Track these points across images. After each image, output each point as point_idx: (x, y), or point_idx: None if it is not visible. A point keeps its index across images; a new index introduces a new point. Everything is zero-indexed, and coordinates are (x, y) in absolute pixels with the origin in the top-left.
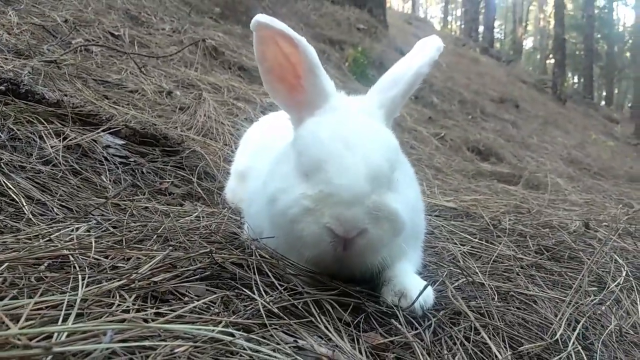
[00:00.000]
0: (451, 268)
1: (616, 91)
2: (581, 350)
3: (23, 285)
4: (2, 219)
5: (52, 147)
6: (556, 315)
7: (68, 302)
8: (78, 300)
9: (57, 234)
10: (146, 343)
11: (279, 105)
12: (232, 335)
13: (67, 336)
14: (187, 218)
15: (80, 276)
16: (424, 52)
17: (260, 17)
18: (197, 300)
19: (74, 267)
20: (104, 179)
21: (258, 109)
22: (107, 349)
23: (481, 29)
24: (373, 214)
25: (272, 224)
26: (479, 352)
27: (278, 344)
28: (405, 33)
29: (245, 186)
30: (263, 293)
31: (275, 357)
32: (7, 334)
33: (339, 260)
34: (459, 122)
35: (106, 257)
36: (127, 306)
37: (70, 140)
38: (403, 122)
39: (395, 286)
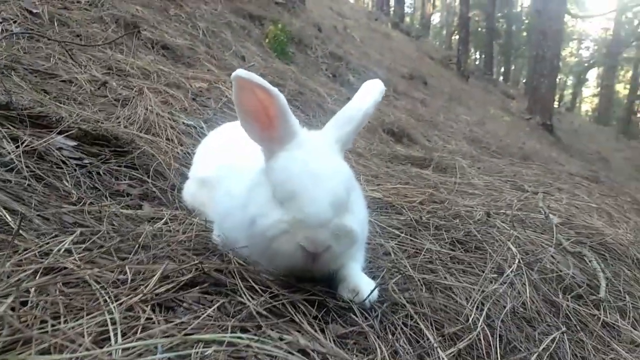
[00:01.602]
0: (387, 263)
1: (513, 68)
2: (486, 328)
3: (60, 304)
4: None
5: (10, 152)
6: (467, 301)
7: (111, 320)
8: (118, 317)
9: (54, 248)
10: (185, 352)
11: (252, 140)
12: (253, 339)
13: (123, 351)
14: (158, 224)
15: (104, 293)
16: (371, 95)
17: (241, 72)
18: (205, 308)
19: (92, 284)
20: (66, 183)
21: (190, 97)
22: (165, 358)
23: (392, 2)
24: (335, 234)
25: (250, 240)
26: (415, 335)
27: (274, 340)
28: (322, 6)
29: (207, 194)
30: (249, 298)
31: (278, 353)
32: (99, 352)
33: (307, 269)
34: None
35: (110, 272)
36: (151, 317)
37: (27, 145)
38: (324, 103)
39: (349, 284)
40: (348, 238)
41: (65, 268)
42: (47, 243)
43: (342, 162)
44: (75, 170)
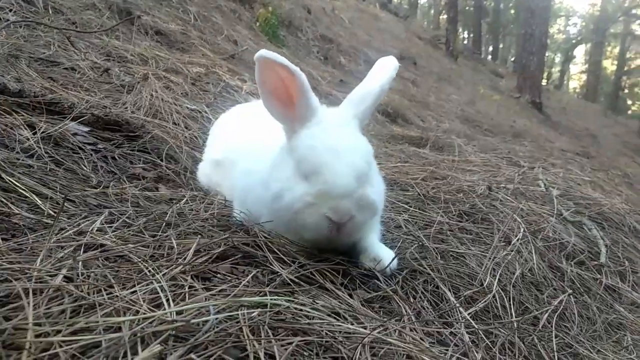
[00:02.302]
0: (402, 235)
1: (501, 46)
2: (500, 291)
3: (109, 275)
4: (28, 217)
5: (28, 139)
6: (480, 267)
7: (160, 288)
8: (166, 286)
9: (87, 228)
10: (232, 313)
11: (275, 118)
12: (292, 301)
13: (178, 314)
14: (180, 204)
15: (147, 266)
16: (386, 71)
17: (264, 53)
18: (239, 278)
19: (133, 259)
20: (84, 168)
21: (189, 82)
22: (216, 319)
23: None
24: (359, 204)
25: (275, 214)
26: (434, 298)
27: (309, 304)
28: None
29: (222, 174)
30: (280, 267)
31: (315, 314)
32: (157, 314)
33: (331, 239)
34: None
35: (145, 247)
36: (193, 286)
37: (43, 131)
38: (319, 86)
39: (370, 254)
40: (370, 209)
41: (102, 245)
42: (79, 224)
43: (361, 137)
44: (91, 155)
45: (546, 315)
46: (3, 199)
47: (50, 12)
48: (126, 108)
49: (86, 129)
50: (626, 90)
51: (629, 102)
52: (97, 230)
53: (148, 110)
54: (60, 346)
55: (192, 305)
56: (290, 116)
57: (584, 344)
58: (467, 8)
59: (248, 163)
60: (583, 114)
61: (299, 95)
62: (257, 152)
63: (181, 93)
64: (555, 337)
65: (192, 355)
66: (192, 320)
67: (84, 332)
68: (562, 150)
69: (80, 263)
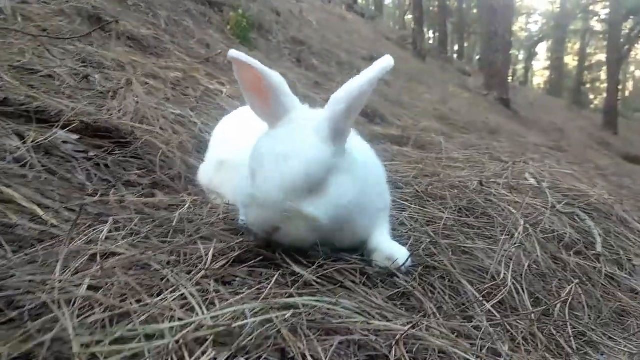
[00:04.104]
0: (408, 232)
1: (466, 45)
2: (515, 283)
3: (133, 283)
4: (33, 227)
5: (19, 148)
6: (490, 260)
7: (190, 293)
8: (195, 291)
9: (96, 237)
10: (267, 316)
11: (256, 115)
12: (325, 301)
13: (212, 318)
14: (183, 209)
15: (168, 272)
16: (370, 71)
17: (233, 53)
18: (261, 280)
19: (153, 266)
20: (78, 176)
21: (169, 86)
22: (254, 322)
23: None
24: (285, 216)
25: None
26: (455, 291)
27: (338, 304)
28: None
29: (224, 176)
30: (299, 269)
31: (344, 312)
32: (195, 320)
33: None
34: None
35: (160, 254)
36: (218, 290)
37: (33, 140)
38: (295, 88)
39: (383, 253)
40: (304, 222)
41: (115, 253)
42: (86, 233)
43: (317, 144)
44: (84, 162)
45: (558, 306)
46: (3, 211)
47: (20, 19)
48: (112, 115)
49: (75, 136)
50: (588, 85)
51: (592, 96)
52: (106, 239)
53: (134, 116)
54: (106, 357)
55: (233, 309)
56: (267, 114)
57: (596, 331)
58: (431, 8)
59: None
60: (549, 109)
61: (269, 94)
62: None
63: (163, 98)
64: (570, 326)
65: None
66: (233, 325)
67: (124, 341)
68: (536, 145)
69: (100, 272)
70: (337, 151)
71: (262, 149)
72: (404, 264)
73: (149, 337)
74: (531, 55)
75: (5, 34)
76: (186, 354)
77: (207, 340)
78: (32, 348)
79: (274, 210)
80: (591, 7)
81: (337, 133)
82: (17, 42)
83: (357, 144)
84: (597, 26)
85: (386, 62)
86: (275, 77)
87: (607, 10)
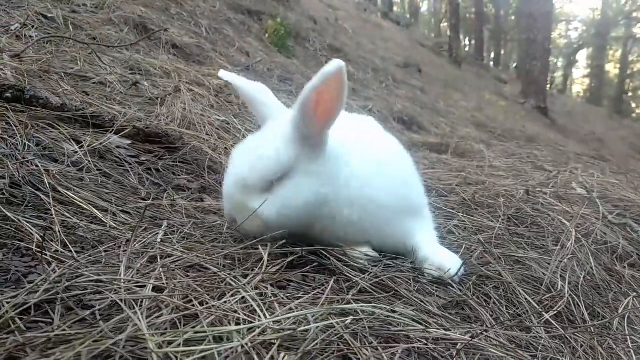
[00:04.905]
0: (458, 240)
1: (503, 52)
2: (572, 295)
3: (195, 285)
4: (95, 229)
5: (76, 153)
6: (544, 271)
7: (250, 297)
8: (255, 294)
9: (153, 239)
10: (330, 322)
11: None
12: (385, 308)
13: (275, 322)
14: None
15: (227, 275)
16: (315, 79)
17: (220, 74)
18: (315, 286)
19: (211, 269)
20: (132, 180)
21: (212, 93)
22: (317, 327)
23: None
24: (237, 209)
25: None
26: (510, 302)
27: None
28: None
29: None
30: (353, 275)
31: (403, 320)
32: (260, 324)
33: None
34: (377, 91)
35: (214, 256)
36: (276, 294)
37: (89, 145)
38: None
39: (434, 263)
40: (255, 216)
41: (170, 255)
42: (143, 236)
43: (275, 147)
44: (136, 167)
45: (617, 319)
46: (64, 213)
47: (71, 28)
48: (160, 120)
49: (128, 141)
50: (630, 94)
51: (633, 105)
52: (161, 242)
53: (181, 122)
54: (179, 358)
55: (295, 314)
56: (258, 121)
57: None
58: (468, 15)
59: None
60: (588, 118)
61: (249, 105)
62: None
63: (208, 105)
64: (630, 340)
65: None
66: (297, 329)
67: (194, 342)
68: (577, 154)
69: (162, 274)
70: (302, 155)
71: (235, 150)
72: (457, 273)
73: (217, 340)
74: (571, 63)
75: (58, 42)
76: (255, 357)
77: (273, 344)
78: (108, 348)
79: (230, 203)
80: (634, 14)
81: (302, 138)
82: (70, 50)
83: (368, 148)
84: None
85: (332, 66)
86: (250, 90)
87: None
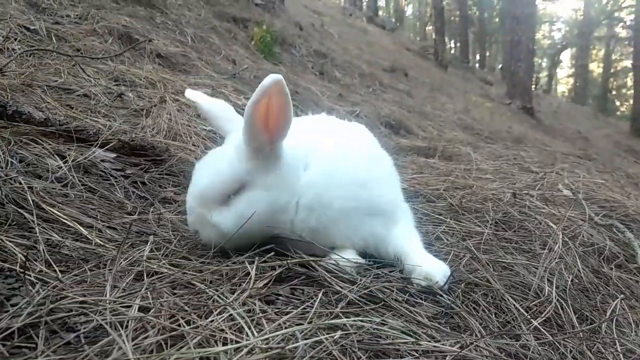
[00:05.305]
0: (445, 247)
1: (488, 54)
2: (560, 299)
3: (181, 303)
4: (80, 247)
5: (60, 168)
6: (532, 276)
7: (238, 314)
8: (243, 311)
9: (139, 255)
10: (318, 338)
11: None
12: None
13: (262, 341)
14: None
15: (214, 291)
16: (254, 94)
17: (187, 93)
18: (303, 299)
19: (197, 285)
20: (117, 194)
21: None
22: (305, 344)
23: None
24: (198, 222)
25: None
26: (499, 309)
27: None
28: (298, 5)
29: None
30: (342, 288)
31: (393, 333)
32: (248, 343)
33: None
34: (364, 96)
35: (200, 273)
36: (265, 310)
37: (73, 159)
38: (320, 101)
39: (421, 273)
40: (213, 228)
41: (157, 272)
42: (128, 253)
43: (229, 161)
44: (122, 180)
45: (605, 324)
46: (48, 230)
47: (54, 39)
48: (146, 132)
49: (113, 155)
50: (614, 92)
51: (617, 103)
52: (147, 259)
53: (167, 133)
54: None
55: (283, 331)
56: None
57: None
58: (452, 18)
59: None
60: (574, 117)
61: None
62: None
63: (194, 114)
64: (619, 344)
65: None
66: (285, 347)
67: None
68: (564, 154)
69: (149, 292)
70: (258, 168)
71: (197, 164)
72: (445, 283)
73: None
74: (555, 63)
75: (41, 55)
76: None
77: None
78: None
79: (191, 216)
80: (616, 14)
81: (255, 151)
82: (53, 62)
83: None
84: (622, 32)
85: (268, 80)
86: (204, 106)
87: (633, 16)
